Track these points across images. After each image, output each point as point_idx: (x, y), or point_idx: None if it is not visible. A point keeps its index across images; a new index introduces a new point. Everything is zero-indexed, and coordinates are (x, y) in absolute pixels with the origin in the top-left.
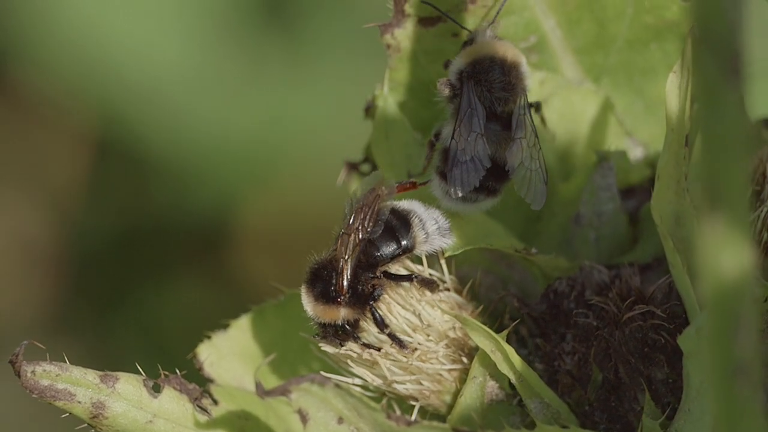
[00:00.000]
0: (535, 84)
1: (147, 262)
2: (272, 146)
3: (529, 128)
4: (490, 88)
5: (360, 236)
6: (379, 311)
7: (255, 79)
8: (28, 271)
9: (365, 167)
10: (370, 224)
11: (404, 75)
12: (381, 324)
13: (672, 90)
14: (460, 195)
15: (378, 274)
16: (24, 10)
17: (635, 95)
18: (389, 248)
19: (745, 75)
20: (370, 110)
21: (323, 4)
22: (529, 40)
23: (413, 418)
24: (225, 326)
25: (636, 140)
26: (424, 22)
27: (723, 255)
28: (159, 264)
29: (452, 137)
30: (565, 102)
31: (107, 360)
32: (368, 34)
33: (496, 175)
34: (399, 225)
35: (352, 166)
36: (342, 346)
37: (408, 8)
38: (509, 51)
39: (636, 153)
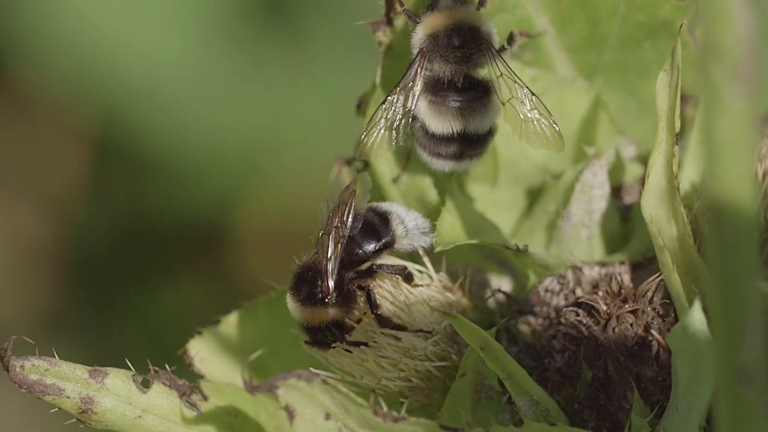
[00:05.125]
0: (526, 81)
1: (146, 261)
2: (271, 145)
3: (512, 85)
4: (448, 61)
5: (341, 233)
6: (382, 313)
7: (253, 79)
8: (28, 271)
9: (358, 164)
10: (349, 221)
11: (396, 72)
12: (385, 322)
13: (662, 88)
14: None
15: (361, 271)
16: (23, 10)
17: (628, 94)
18: (370, 245)
19: (752, 82)
20: (361, 107)
21: (321, 3)
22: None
23: (401, 414)
24: (216, 322)
25: (629, 139)
26: (414, 19)
27: (729, 258)
28: (158, 264)
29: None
30: (557, 99)
31: (107, 360)
32: (366, 32)
33: (473, 144)
34: (378, 221)
35: (345, 163)
36: (331, 347)
37: (398, 6)
38: (466, 16)
39: (629, 151)
